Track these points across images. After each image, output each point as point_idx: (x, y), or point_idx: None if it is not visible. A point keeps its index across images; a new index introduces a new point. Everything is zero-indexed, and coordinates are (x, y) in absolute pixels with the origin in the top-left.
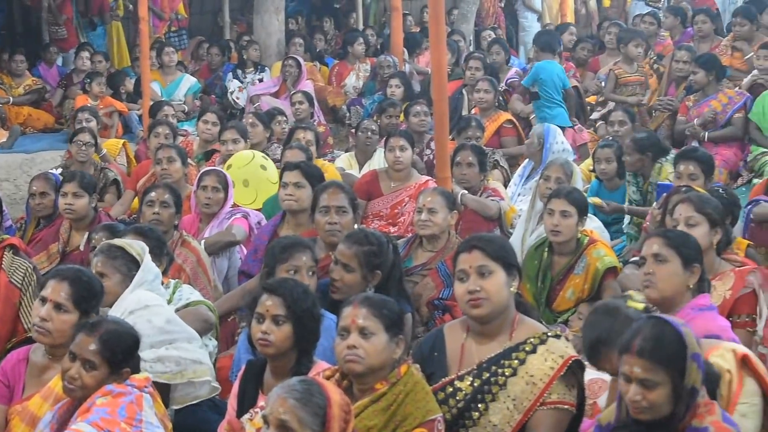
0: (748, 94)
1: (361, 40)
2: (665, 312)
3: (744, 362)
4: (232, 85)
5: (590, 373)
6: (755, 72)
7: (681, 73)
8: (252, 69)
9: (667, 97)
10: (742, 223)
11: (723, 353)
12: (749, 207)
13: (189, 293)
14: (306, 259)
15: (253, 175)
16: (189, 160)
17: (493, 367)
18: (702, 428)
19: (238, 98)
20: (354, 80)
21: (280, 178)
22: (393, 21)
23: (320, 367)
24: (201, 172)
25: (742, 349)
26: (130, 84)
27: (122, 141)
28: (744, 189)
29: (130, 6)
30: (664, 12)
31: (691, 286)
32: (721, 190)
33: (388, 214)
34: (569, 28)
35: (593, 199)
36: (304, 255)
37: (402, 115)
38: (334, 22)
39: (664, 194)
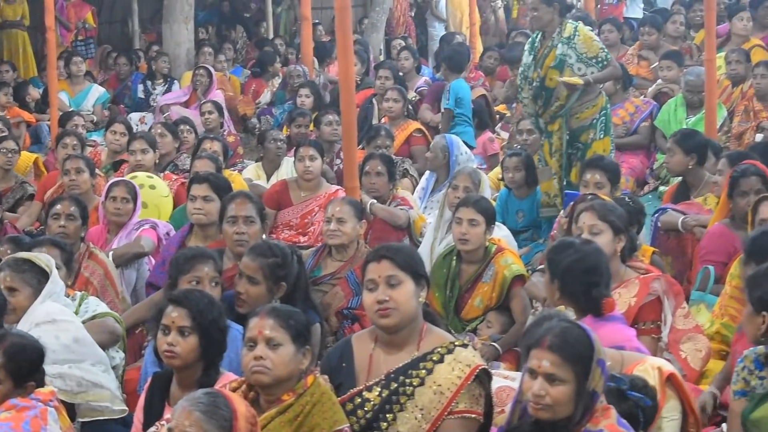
0: (655, 103)
1: (278, 58)
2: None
3: (669, 381)
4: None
5: (498, 381)
6: (660, 81)
7: None
8: (161, 81)
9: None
10: (649, 230)
11: (647, 369)
12: (656, 215)
13: (95, 305)
14: (208, 269)
15: (147, 197)
16: (97, 171)
17: (401, 377)
18: (596, 431)
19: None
20: (269, 96)
21: (188, 190)
22: (303, 30)
23: (227, 379)
24: (109, 182)
25: (669, 367)
26: (35, 93)
27: (34, 156)
28: (650, 196)
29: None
30: None
31: None
32: (627, 198)
33: (298, 224)
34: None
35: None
36: (206, 266)
37: (312, 125)
38: (244, 31)
39: (571, 203)
